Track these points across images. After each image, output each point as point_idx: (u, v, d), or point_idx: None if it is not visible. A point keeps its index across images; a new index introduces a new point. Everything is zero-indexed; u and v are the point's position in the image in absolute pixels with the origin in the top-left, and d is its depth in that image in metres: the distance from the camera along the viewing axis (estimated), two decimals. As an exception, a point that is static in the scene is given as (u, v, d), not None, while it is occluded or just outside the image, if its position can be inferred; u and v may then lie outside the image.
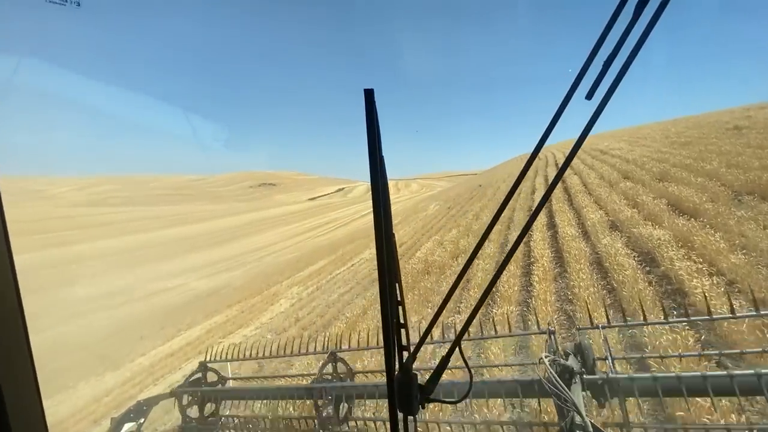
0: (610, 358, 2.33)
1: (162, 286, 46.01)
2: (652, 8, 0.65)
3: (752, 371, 1.75)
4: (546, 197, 0.82)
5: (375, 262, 0.82)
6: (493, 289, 5.43)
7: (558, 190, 18.64)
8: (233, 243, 74.81)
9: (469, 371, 1.06)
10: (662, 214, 10.63)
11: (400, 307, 0.90)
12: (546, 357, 2.06)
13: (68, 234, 76.90)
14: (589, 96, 0.72)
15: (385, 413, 3.13)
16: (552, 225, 13.82)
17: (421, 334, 1.01)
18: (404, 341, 0.92)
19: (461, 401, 1.26)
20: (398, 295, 0.90)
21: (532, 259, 10.73)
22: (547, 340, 2.48)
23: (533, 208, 1.27)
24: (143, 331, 23.04)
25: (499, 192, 27.95)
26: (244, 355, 4.05)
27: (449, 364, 0.95)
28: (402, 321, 0.90)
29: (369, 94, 0.69)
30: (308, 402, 3.28)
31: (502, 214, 0.97)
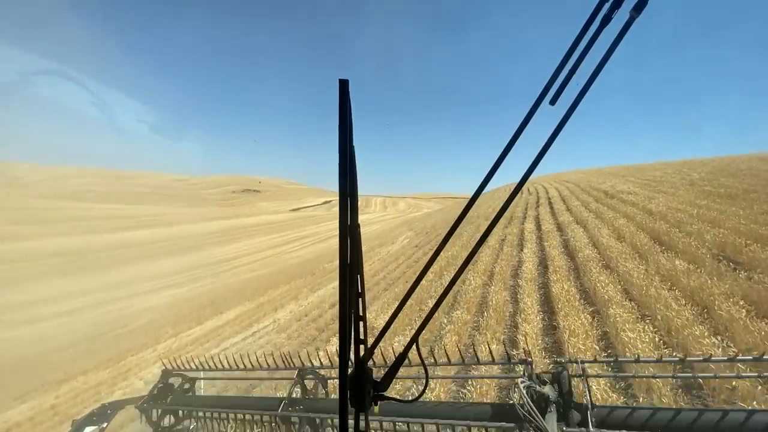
0: (587, 389, 2.01)
1: (84, 303, 39.78)
2: (619, 24, 0.68)
3: (725, 408, 1.68)
4: (504, 209, 0.83)
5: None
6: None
7: (561, 258, 12.91)
8: (199, 252, 70.52)
9: (425, 370, 1.04)
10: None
11: (360, 299, 0.87)
12: (522, 382, 1.99)
13: (26, 228, 70.50)
14: (553, 101, 0.74)
15: None
16: (556, 343, 8.01)
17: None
18: (362, 334, 0.89)
19: (415, 401, 1.15)
20: (359, 287, 0.87)
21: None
22: (525, 369, 2.24)
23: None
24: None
25: (479, 232, 22.26)
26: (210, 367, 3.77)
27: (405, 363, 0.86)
28: (361, 313, 0.87)
29: (344, 85, 0.70)
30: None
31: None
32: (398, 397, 0.99)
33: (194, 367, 3.99)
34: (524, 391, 1.92)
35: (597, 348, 6.95)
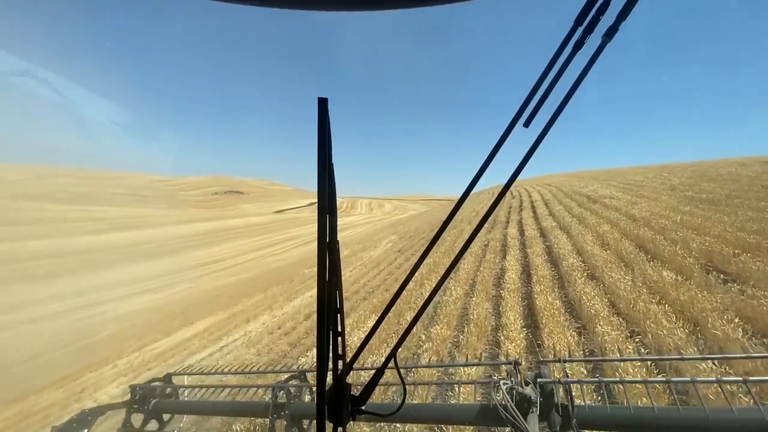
0: (569, 389, 2.08)
1: (53, 310, 37.72)
2: (591, 48, 0.70)
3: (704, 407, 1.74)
4: (479, 226, 0.85)
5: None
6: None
7: (545, 267, 12.37)
8: (178, 255, 68.39)
9: (403, 385, 1.06)
10: None
11: (338, 315, 0.89)
12: (504, 384, 2.02)
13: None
14: (527, 124, 0.76)
15: None
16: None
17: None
18: (340, 350, 0.90)
19: (393, 414, 1.19)
20: (337, 303, 0.88)
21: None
22: (508, 371, 2.38)
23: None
24: None
25: (462, 238, 21.73)
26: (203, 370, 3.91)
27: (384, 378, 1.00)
28: (339, 329, 0.89)
29: (323, 103, 0.72)
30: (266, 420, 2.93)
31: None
32: (376, 412, 1.00)
33: (177, 370, 3.99)
34: (506, 393, 1.91)
35: (584, 372, 6.33)
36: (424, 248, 0.90)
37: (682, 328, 6.75)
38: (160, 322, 22.87)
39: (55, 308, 38.03)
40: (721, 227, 11.42)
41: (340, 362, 0.89)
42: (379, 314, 0.95)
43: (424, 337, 9.36)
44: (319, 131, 0.72)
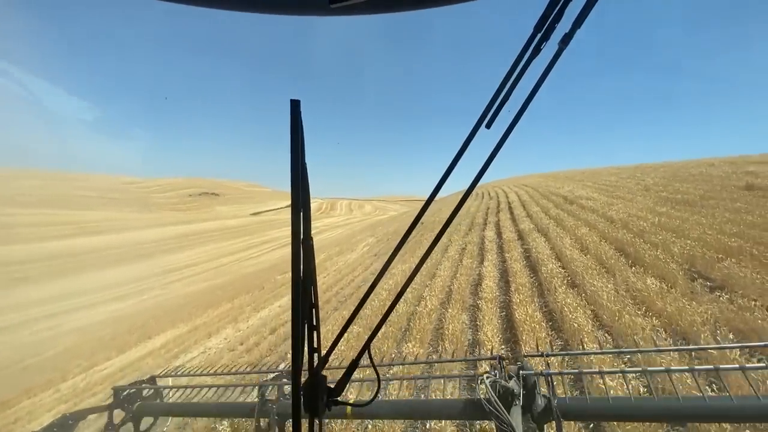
0: (551, 381, 2.12)
1: (9, 321, 34.92)
2: (549, 54, 0.73)
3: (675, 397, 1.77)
4: (443, 229, 0.89)
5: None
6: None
7: (524, 273, 11.70)
8: (149, 260, 65.32)
9: (377, 375, 1.07)
10: None
11: (313, 309, 0.90)
12: (487, 378, 2.03)
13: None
14: (489, 125, 0.79)
15: None
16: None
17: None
18: (315, 343, 0.91)
19: (368, 404, 1.20)
20: (312, 298, 0.89)
21: None
22: (492, 365, 2.40)
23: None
24: None
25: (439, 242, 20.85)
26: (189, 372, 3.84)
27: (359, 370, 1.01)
28: (315, 323, 0.90)
29: (295, 105, 0.73)
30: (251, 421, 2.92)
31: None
32: (351, 402, 1.02)
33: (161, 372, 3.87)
34: (490, 387, 1.93)
35: (566, 366, 5.61)
36: (386, 262, 0.92)
37: (674, 347, 6.14)
38: (117, 336, 21.04)
39: (12, 319, 35.19)
40: (700, 229, 11.11)
41: (316, 356, 0.90)
42: (353, 309, 0.95)
43: (394, 356, 8.48)
44: (292, 132, 0.75)
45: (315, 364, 0.90)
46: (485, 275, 12.22)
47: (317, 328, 0.91)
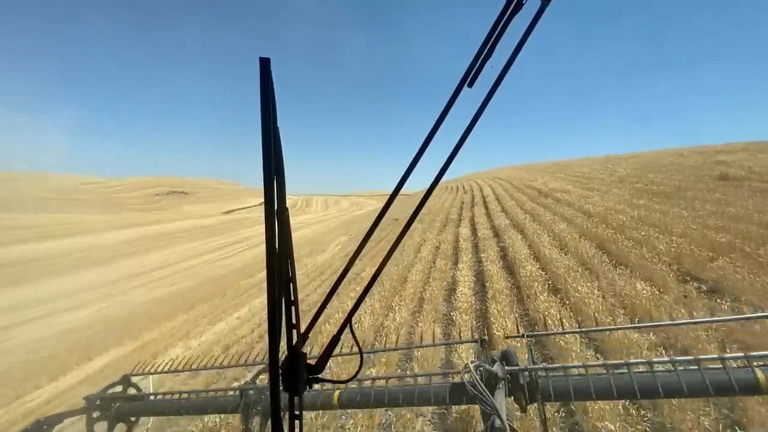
0: (533, 364, 2.09)
1: None
2: (532, 10, 0.71)
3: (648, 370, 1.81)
4: (417, 210, 0.86)
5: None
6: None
7: (501, 276, 10.70)
8: (113, 264, 61.38)
9: (360, 352, 1.04)
10: None
11: (291, 284, 0.86)
12: (472, 363, 2.00)
13: None
14: (471, 84, 0.76)
15: None
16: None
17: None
18: (294, 319, 0.88)
19: (349, 382, 1.12)
20: (289, 271, 0.85)
21: None
22: (477, 349, 2.42)
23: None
24: None
25: (412, 238, 19.73)
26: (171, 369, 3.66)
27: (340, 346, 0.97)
28: (293, 298, 0.87)
29: (264, 64, 0.67)
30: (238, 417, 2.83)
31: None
32: (333, 379, 0.97)
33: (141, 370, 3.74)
34: (474, 371, 1.94)
35: None
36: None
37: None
38: (55, 356, 18.74)
39: None
40: (683, 224, 10.47)
41: (294, 332, 0.87)
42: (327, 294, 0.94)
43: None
44: (262, 93, 0.69)
45: (294, 341, 0.85)
46: (460, 280, 11.16)
47: (295, 303, 0.86)
